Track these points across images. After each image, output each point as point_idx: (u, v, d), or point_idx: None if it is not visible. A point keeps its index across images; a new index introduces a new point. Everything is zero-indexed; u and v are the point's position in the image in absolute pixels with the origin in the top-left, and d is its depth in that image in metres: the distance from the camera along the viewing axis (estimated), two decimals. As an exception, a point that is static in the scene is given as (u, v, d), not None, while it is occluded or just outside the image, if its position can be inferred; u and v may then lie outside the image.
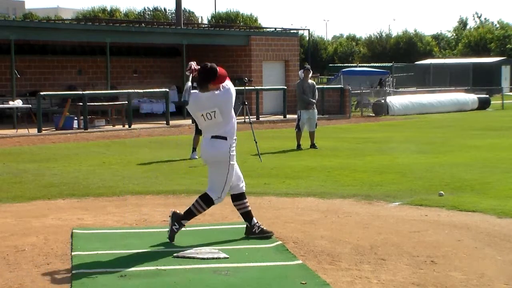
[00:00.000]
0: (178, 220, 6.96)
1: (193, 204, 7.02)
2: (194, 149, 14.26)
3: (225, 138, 6.83)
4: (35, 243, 7.00)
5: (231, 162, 6.87)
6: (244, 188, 7.14)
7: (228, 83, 6.90)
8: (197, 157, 13.78)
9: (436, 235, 7.34)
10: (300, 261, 6.26)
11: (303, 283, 5.58)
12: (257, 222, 7.14)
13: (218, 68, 6.89)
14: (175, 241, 6.93)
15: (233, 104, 6.92)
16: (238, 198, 7.10)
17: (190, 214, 7.01)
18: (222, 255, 6.44)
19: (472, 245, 6.89)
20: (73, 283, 5.62)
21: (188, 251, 6.55)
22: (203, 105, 6.82)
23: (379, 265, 6.16)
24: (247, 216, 7.13)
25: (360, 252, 6.60)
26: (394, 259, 6.37)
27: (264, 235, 7.05)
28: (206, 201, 6.98)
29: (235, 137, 6.94)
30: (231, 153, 6.85)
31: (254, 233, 7.07)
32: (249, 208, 7.15)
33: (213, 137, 6.85)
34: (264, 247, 6.80)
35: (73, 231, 7.47)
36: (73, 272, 5.93)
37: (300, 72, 17.06)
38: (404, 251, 6.65)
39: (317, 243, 6.95)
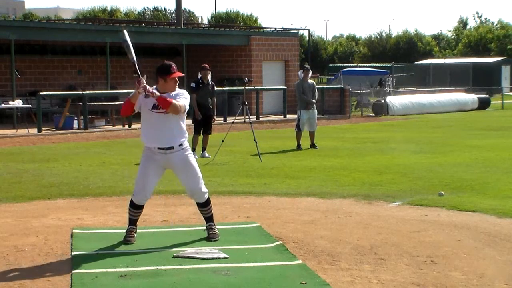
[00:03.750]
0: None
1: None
2: (193, 149, 14.24)
3: None
4: (35, 243, 7.00)
5: (141, 161, 7.06)
6: (199, 200, 7.04)
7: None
8: (196, 157, 13.76)
9: (436, 235, 7.34)
10: (300, 261, 6.26)
11: (303, 283, 5.58)
12: (211, 225, 7.16)
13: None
14: (175, 241, 6.93)
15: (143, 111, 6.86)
16: (198, 205, 7.14)
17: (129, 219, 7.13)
18: (222, 255, 6.44)
19: (472, 245, 6.89)
20: (73, 283, 5.62)
21: (188, 251, 6.55)
22: None
23: (379, 265, 6.17)
24: (206, 220, 7.18)
25: (360, 252, 6.60)
26: (394, 259, 6.37)
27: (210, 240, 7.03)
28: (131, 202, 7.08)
29: (148, 146, 6.97)
30: (143, 154, 7.02)
31: (208, 236, 7.10)
32: (210, 214, 7.14)
33: None
34: (264, 247, 6.80)
35: (73, 231, 7.47)
36: (73, 272, 5.93)
37: (300, 72, 17.06)
38: (404, 251, 6.65)
39: (317, 243, 6.95)
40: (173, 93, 6.80)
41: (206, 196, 7.03)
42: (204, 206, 7.09)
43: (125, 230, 7.09)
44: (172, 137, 6.84)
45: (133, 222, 7.09)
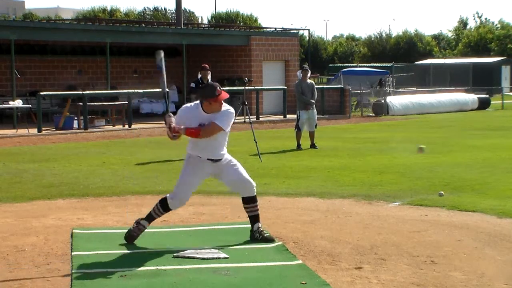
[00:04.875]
0: (137, 220, 7.03)
1: (153, 207, 7.07)
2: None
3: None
4: (35, 243, 7.00)
5: (184, 164, 6.95)
6: (249, 193, 7.00)
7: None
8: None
9: (436, 235, 7.34)
10: (300, 261, 6.26)
11: (303, 283, 5.58)
12: (259, 228, 7.05)
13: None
14: (175, 241, 6.92)
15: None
16: (244, 201, 7.06)
17: (150, 216, 7.05)
18: (222, 255, 6.44)
19: (472, 245, 6.89)
20: (73, 283, 5.62)
21: (188, 251, 6.55)
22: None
23: (379, 265, 6.17)
24: (251, 220, 7.09)
25: (360, 252, 6.60)
26: (394, 259, 6.37)
27: (267, 241, 6.96)
28: (162, 204, 7.00)
29: (197, 155, 6.87)
30: (188, 159, 6.93)
31: (256, 239, 7.03)
32: (256, 212, 7.06)
33: None
34: (264, 247, 6.80)
35: (73, 231, 7.47)
36: (73, 272, 5.93)
37: (298, 73, 17.07)
38: (404, 251, 6.65)
39: (317, 243, 6.95)
40: (216, 113, 6.79)
41: (255, 189, 7.02)
42: (253, 201, 7.01)
43: (125, 230, 7.07)
44: (220, 149, 6.90)
45: (152, 219, 7.02)
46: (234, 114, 6.93)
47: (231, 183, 7.03)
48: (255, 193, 7.02)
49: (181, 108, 7.05)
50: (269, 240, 6.96)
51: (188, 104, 7.06)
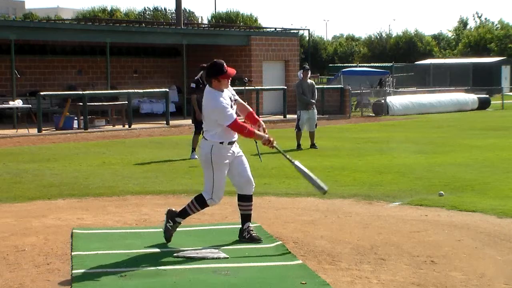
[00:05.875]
0: (172, 217, 6.96)
1: (188, 204, 7.03)
2: (193, 149, 14.26)
3: (207, 140, 6.85)
4: (35, 243, 7.00)
5: (214, 165, 6.81)
6: (249, 191, 7.01)
7: (223, 95, 6.82)
8: (196, 157, 13.77)
9: (436, 235, 7.34)
10: (300, 261, 6.26)
11: (303, 283, 5.58)
12: (249, 227, 7.05)
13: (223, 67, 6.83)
14: (175, 241, 6.92)
15: (217, 115, 6.75)
16: (240, 199, 7.06)
17: (185, 213, 7.01)
18: (222, 255, 6.44)
19: (472, 245, 6.89)
20: (73, 283, 5.62)
21: (188, 251, 6.55)
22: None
23: (379, 265, 6.17)
24: (243, 218, 7.09)
25: (360, 252, 6.60)
26: (394, 259, 6.37)
27: (252, 241, 6.96)
28: (200, 201, 6.97)
29: (222, 141, 6.79)
30: (212, 155, 6.78)
31: (243, 237, 7.04)
32: (249, 212, 7.07)
33: (203, 137, 6.95)
34: (264, 247, 6.80)
35: (73, 231, 7.47)
36: (73, 272, 5.93)
37: (299, 73, 17.04)
38: (404, 251, 6.65)
39: (317, 243, 6.95)
40: (230, 92, 6.88)
41: (253, 189, 7.06)
42: (249, 200, 7.01)
43: (125, 230, 7.07)
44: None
45: (186, 216, 7.02)
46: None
47: (236, 176, 6.98)
48: (252, 192, 7.03)
49: (218, 100, 6.76)
50: (256, 240, 6.94)
51: (210, 93, 6.85)
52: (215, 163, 6.80)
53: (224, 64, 6.80)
